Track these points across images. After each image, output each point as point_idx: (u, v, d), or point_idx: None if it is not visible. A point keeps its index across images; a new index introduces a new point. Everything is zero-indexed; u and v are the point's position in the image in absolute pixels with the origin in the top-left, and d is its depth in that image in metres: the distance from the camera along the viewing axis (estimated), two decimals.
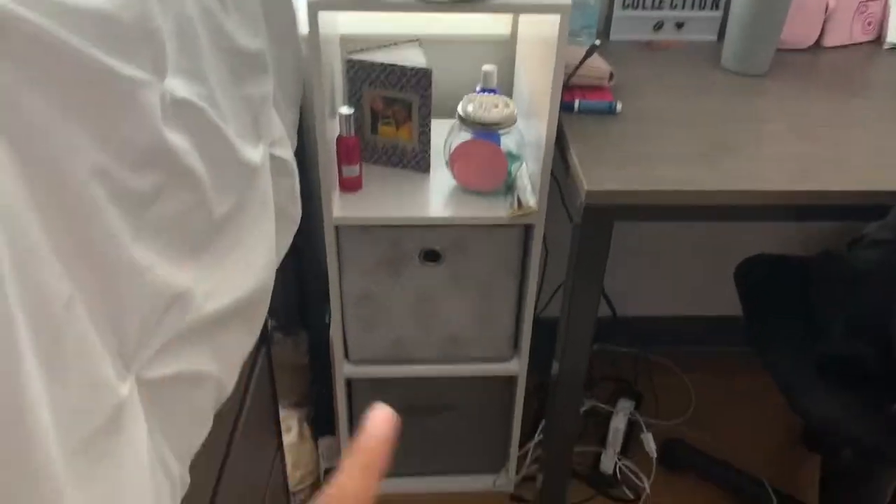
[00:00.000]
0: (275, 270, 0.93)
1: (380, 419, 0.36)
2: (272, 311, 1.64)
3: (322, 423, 1.62)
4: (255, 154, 0.83)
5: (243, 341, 0.84)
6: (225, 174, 0.74)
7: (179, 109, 0.66)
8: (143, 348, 0.61)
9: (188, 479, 0.73)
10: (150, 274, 0.60)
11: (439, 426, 1.55)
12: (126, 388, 0.58)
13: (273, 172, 0.91)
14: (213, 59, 0.77)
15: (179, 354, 0.68)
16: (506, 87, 1.51)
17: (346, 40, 1.42)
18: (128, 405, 0.59)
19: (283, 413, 1.57)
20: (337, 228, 1.27)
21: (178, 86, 0.67)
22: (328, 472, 1.62)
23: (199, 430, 0.75)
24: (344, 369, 1.43)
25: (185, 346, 0.69)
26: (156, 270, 0.61)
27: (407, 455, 1.60)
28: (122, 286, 0.58)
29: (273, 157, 0.91)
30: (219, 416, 0.98)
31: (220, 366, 0.77)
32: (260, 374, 1.22)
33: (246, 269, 0.81)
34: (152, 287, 0.61)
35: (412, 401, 1.51)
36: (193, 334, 0.70)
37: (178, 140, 0.65)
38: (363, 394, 1.50)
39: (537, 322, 1.63)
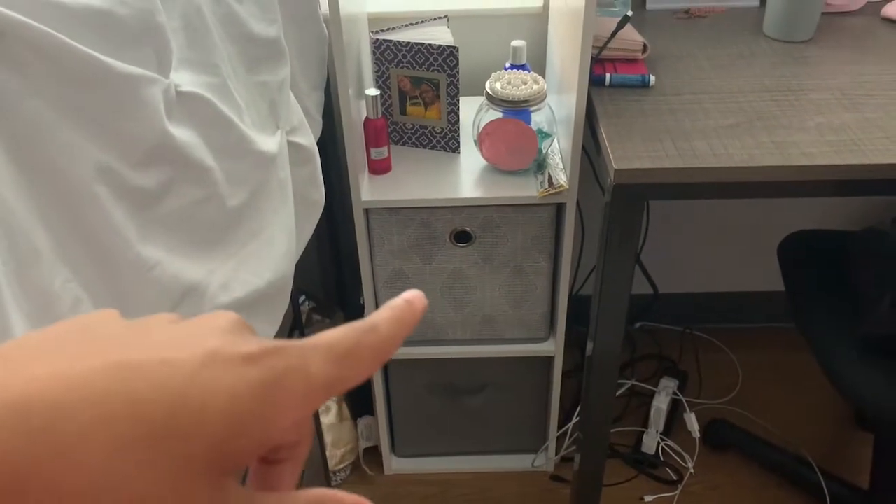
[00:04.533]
0: (295, 259, 0.93)
1: (403, 314, 0.27)
2: (309, 293, 1.66)
3: (360, 403, 1.63)
4: (271, 143, 0.83)
5: (264, 331, 0.84)
6: (238, 165, 0.74)
7: (186, 103, 0.66)
8: None
9: None
10: (158, 269, 0.61)
11: (478, 406, 1.55)
12: None
13: (292, 160, 0.90)
14: (225, 48, 0.76)
15: None
16: (539, 62, 1.48)
17: (373, 19, 1.40)
18: None
19: None
20: (367, 211, 1.27)
21: (184, 79, 0.67)
22: (367, 450, 1.63)
23: None
24: None
25: None
26: (164, 266, 0.62)
27: (446, 435, 1.60)
28: (129, 284, 0.58)
29: (291, 144, 0.91)
30: None
31: None
32: None
33: (264, 260, 0.81)
34: (161, 283, 0.61)
35: (449, 381, 1.51)
36: None
37: (184, 134, 0.64)
38: (399, 374, 1.51)
39: (576, 300, 1.60)
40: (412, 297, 0.27)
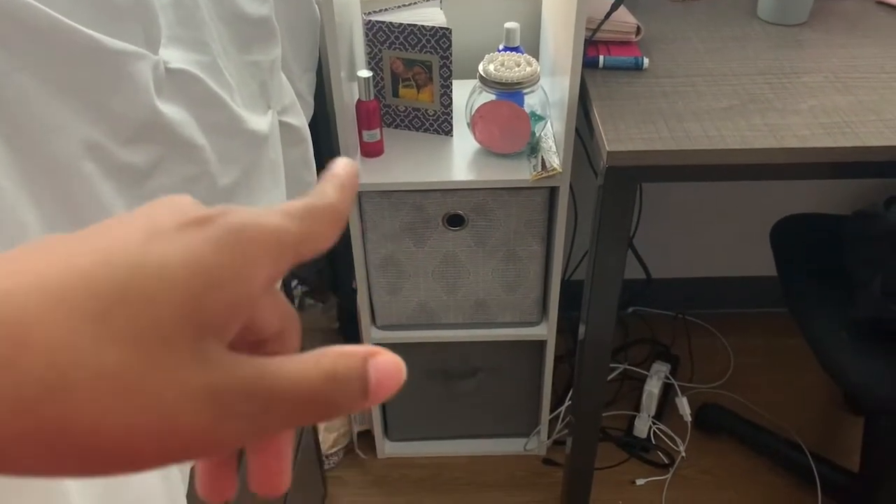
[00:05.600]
0: None
1: (343, 179, 0.27)
2: (302, 277, 1.66)
3: None
4: (262, 122, 0.82)
5: None
6: (229, 144, 0.74)
7: (175, 80, 0.65)
8: None
9: None
10: None
11: (471, 390, 1.55)
12: None
13: (283, 140, 0.90)
14: (215, 26, 0.76)
15: None
16: (532, 44, 1.47)
17: (366, 0, 1.39)
18: None
19: None
20: (359, 194, 1.26)
21: (174, 56, 0.66)
22: (360, 434, 1.64)
23: None
24: (371, 335, 1.44)
25: None
26: None
27: (438, 418, 1.60)
28: None
29: (283, 125, 0.90)
30: None
31: None
32: None
33: None
34: None
35: (442, 365, 1.51)
36: None
37: (174, 112, 0.64)
38: None
39: (568, 285, 1.60)
40: (342, 163, 0.28)
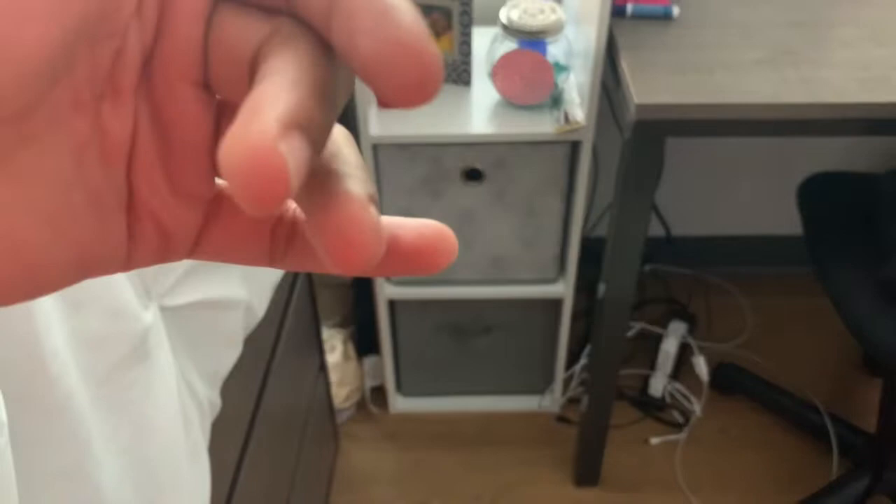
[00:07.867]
0: None
1: None
2: None
3: (366, 343, 1.62)
4: None
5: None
6: None
7: None
8: (163, 275, 0.60)
9: (218, 402, 0.72)
10: None
11: (485, 347, 1.54)
12: (150, 316, 0.57)
13: None
14: None
15: (204, 280, 0.66)
16: None
17: None
18: (153, 332, 0.57)
19: (327, 333, 1.58)
20: (375, 147, 1.23)
21: None
22: (373, 389, 1.63)
23: (228, 354, 0.74)
24: (385, 291, 1.42)
25: (211, 273, 0.67)
26: None
27: (452, 375, 1.60)
28: None
29: None
30: (257, 338, 0.99)
31: (249, 291, 0.76)
32: (300, 295, 1.21)
33: None
34: None
35: (456, 321, 1.50)
36: None
37: None
38: (406, 314, 1.49)
39: (587, 242, 1.58)
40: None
